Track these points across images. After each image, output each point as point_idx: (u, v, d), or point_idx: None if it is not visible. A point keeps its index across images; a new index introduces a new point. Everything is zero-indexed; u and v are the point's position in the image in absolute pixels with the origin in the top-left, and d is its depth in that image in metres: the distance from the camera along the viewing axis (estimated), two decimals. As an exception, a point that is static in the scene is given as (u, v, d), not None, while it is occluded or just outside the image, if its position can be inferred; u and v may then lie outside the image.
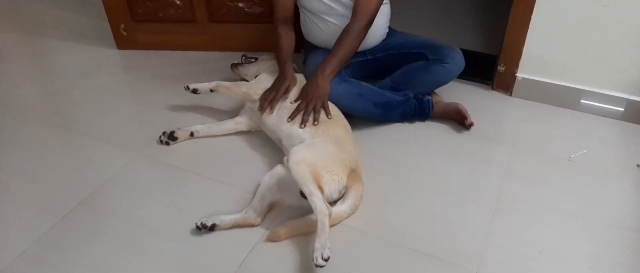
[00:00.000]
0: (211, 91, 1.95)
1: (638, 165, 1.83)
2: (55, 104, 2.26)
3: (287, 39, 1.98)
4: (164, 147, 1.93)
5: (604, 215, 1.64)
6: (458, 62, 1.98)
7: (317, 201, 1.48)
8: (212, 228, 1.54)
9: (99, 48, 2.63)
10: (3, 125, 2.09)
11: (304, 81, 1.91)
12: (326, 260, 1.38)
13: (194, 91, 1.96)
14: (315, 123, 1.74)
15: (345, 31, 1.86)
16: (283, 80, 1.87)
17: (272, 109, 1.82)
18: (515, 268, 1.47)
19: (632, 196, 1.71)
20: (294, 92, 1.87)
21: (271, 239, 1.53)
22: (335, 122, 1.80)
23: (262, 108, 1.83)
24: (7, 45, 2.87)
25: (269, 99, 1.83)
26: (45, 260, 1.50)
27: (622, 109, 2.05)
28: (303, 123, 1.74)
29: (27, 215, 1.66)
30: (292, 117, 1.77)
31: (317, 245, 1.40)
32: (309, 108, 1.76)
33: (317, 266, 1.38)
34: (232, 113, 2.07)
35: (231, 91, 1.96)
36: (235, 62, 2.18)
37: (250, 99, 1.92)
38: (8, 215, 1.67)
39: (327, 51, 1.91)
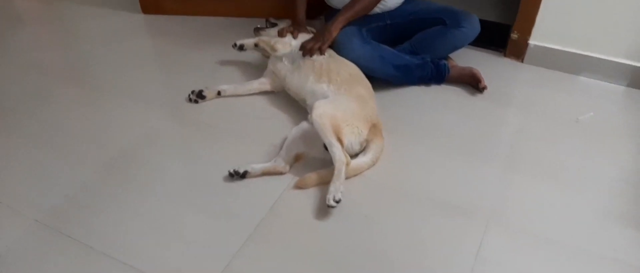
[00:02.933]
0: (255, 45, 2.12)
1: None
2: (84, 67, 2.36)
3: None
4: (193, 105, 2.04)
5: (609, 171, 1.74)
6: (474, 26, 2.07)
7: (337, 151, 1.60)
8: (244, 175, 1.66)
9: (124, 13, 2.73)
10: (36, 85, 2.20)
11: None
12: (337, 202, 1.52)
13: (241, 47, 2.12)
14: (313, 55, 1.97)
15: None
16: (319, 33, 2.05)
17: (313, 53, 1.98)
18: (524, 214, 1.58)
19: (636, 155, 1.82)
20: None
21: (299, 187, 1.65)
22: (357, 81, 1.90)
23: (305, 53, 1.98)
24: (27, 10, 2.95)
25: (312, 47, 1.98)
26: (88, 204, 1.62)
27: (631, 76, 2.14)
28: (306, 52, 1.97)
29: (69, 164, 1.78)
30: (302, 50, 1.98)
31: (332, 188, 1.54)
32: (307, 44, 1.98)
33: (328, 206, 1.52)
34: (255, 75, 2.17)
35: (266, 44, 2.10)
36: (259, 26, 2.28)
37: (276, 52, 2.05)
38: (52, 163, 1.78)
39: (347, 16, 2.03)
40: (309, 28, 2.21)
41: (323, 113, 1.67)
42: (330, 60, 1.95)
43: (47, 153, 1.83)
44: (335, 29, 2.02)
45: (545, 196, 1.64)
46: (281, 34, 2.09)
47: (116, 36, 2.57)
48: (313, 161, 1.74)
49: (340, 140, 1.64)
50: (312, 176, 1.66)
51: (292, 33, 2.08)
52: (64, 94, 2.16)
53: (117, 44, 2.50)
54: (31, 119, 2.01)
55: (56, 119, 2.01)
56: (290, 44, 2.05)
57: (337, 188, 1.54)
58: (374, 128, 1.76)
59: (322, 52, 1.97)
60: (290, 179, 1.69)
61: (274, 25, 2.27)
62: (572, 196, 1.65)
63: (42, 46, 2.57)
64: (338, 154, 1.60)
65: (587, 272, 1.41)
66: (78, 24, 2.72)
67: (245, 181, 1.67)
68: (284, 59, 2.02)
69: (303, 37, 2.09)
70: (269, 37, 2.13)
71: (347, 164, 1.62)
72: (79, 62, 2.39)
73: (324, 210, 1.57)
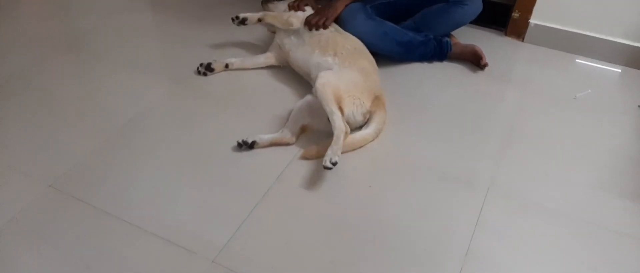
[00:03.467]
0: (259, 20, 2.07)
1: (639, 106, 1.98)
2: (88, 39, 2.37)
3: None
4: (201, 78, 2.07)
5: (605, 146, 1.80)
6: (476, 4, 2.11)
7: (337, 119, 1.66)
8: (252, 145, 1.71)
9: (128, -13, 2.74)
10: (40, 56, 2.22)
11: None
12: (334, 164, 1.57)
13: (242, 21, 2.05)
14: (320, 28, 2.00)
15: None
16: (324, 8, 2.08)
17: (317, 28, 2.00)
18: (522, 185, 1.64)
19: (631, 131, 1.88)
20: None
21: (305, 157, 1.70)
22: (361, 55, 1.94)
23: (309, 27, 2.01)
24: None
25: (316, 21, 2.01)
26: (100, 170, 1.67)
27: (628, 56, 2.19)
28: (310, 26, 2.00)
29: (80, 132, 1.82)
30: (306, 23, 2.01)
31: (329, 152, 1.60)
32: (312, 20, 2.01)
33: (325, 167, 1.57)
34: (261, 50, 2.20)
35: (276, 19, 2.08)
36: (267, -2, 2.30)
37: (291, 26, 2.04)
38: (63, 132, 1.82)
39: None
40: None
41: (326, 82, 1.72)
42: (335, 34, 1.99)
43: (58, 121, 1.87)
44: (340, 5, 2.06)
45: (543, 167, 1.70)
46: (295, 7, 2.09)
47: (119, 10, 2.58)
48: (318, 133, 1.79)
49: (341, 109, 1.69)
50: (316, 147, 1.71)
51: (299, 7, 2.10)
52: (70, 66, 2.19)
53: (122, 18, 2.51)
54: (39, 89, 2.04)
55: (64, 90, 2.04)
56: (301, 18, 2.06)
57: (335, 152, 1.60)
58: (377, 100, 1.81)
59: (325, 27, 2.01)
60: (297, 149, 1.74)
61: (282, -1, 2.29)
62: (568, 168, 1.71)
63: (44, 19, 2.57)
64: (338, 122, 1.65)
65: (582, 239, 1.48)
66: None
67: (253, 151, 1.72)
68: (292, 34, 2.05)
69: (309, 11, 2.12)
70: (278, 12, 2.12)
71: (346, 133, 1.66)
72: (83, 35, 2.40)
73: (329, 179, 1.63)
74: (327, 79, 1.73)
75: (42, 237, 1.45)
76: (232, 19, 2.06)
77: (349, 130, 1.69)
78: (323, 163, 1.57)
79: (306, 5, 2.12)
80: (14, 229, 1.48)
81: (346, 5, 2.07)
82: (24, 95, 2.00)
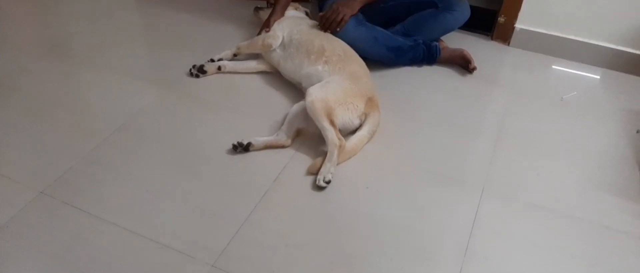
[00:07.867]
0: (234, 55, 2.12)
1: (638, 131, 1.96)
2: (78, 43, 2.34)
3: None
4: (192, 81, 2.06)
5: (593, 145, 1.86)
6: (465, 10, 2.15)
7: (329, 134, 1.67)
8: (247, 147, 1.70)
9: (115, -7, 2.72)
10: (29, 62, 2.19)
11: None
12: (327, 183, 1.59)
13: (220, 61, 2.12)
14: (338, 29, 2.01)
15: None
16: (271, 15, 2.14)
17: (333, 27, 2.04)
18: (515, 184, 1.67)
19: (615, 130, 1.94)
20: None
21: (310, 173, 1.67)
22: (350, 59, 1.94)
23: (324, 27, 2.03)
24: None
25: (334, 19, 2.03)
26: (93, 175, 1.64)
27: (611, 59, 2.26)
28: (324, 28, 1.99)
29: (71, 137, 1.79)
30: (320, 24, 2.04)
31: (323, 169, 1.62)
32: (332, 15, 2.00)
33: (318, 186, 1.59)
34: (253, 56, 2.20)
35: (251, 47, 2.09)
36: (258, 6, 2.30)
37: (271, 47, 2.04)
38: (53, 138, 1.79)
39: (342, -1, 2.08)
40: (299, 7, 2.26)
41: (315, 98, 1.71)
42: (323, 41, 1.98)
43: (48, 127, 1.83)
44: (358, 4, 2.06)
45: (534, 166, 1.74)
46: (267, 25, 2.10)
47: (105, 14, 2.55)
48: (314, 136, 1.79)
49: (332, 123, 1.70)
50: (320, 160, 1.68)
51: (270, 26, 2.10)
52: (58, 70, 2.15)
53: (110, 24, 2.49)
54: (27, 94, 2.00)
55: (53, 95, 2.00)
56: (279, 35, 2.05)
57: (328, 169, 1.61)
58: (371, 102, 1.82)
59: (344, 22, 2.01)
60: (293, 152, 1.74)
61: (273, 5, 2.29)
62: (558, 166, 1.75)
63: (28, 23, 2.53)
64: (331, 137, 1.67)
65: (574, 234, 1.51)
66: (69, 5, 2.68)
67: (249, 154, 1.71)
68: (277, 49, 2.04)
69: (294, 18, 2.13)
70: (250, 40, 2.11)
71: (341, 146, 1.67)
72: (69, 39, 2.36)
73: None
74: (315, 96, 1.72)
75: (34, 244, 1.42)
76: (209, 61, 2.10)
77: (344, 143, 1.69)
78: (317, 183, 1.59)
79: (276, 20, 2.11)
80: (5, 237, 1.43)
81: (363, 5, 2.07)
82: (11, 101, 1.96)
